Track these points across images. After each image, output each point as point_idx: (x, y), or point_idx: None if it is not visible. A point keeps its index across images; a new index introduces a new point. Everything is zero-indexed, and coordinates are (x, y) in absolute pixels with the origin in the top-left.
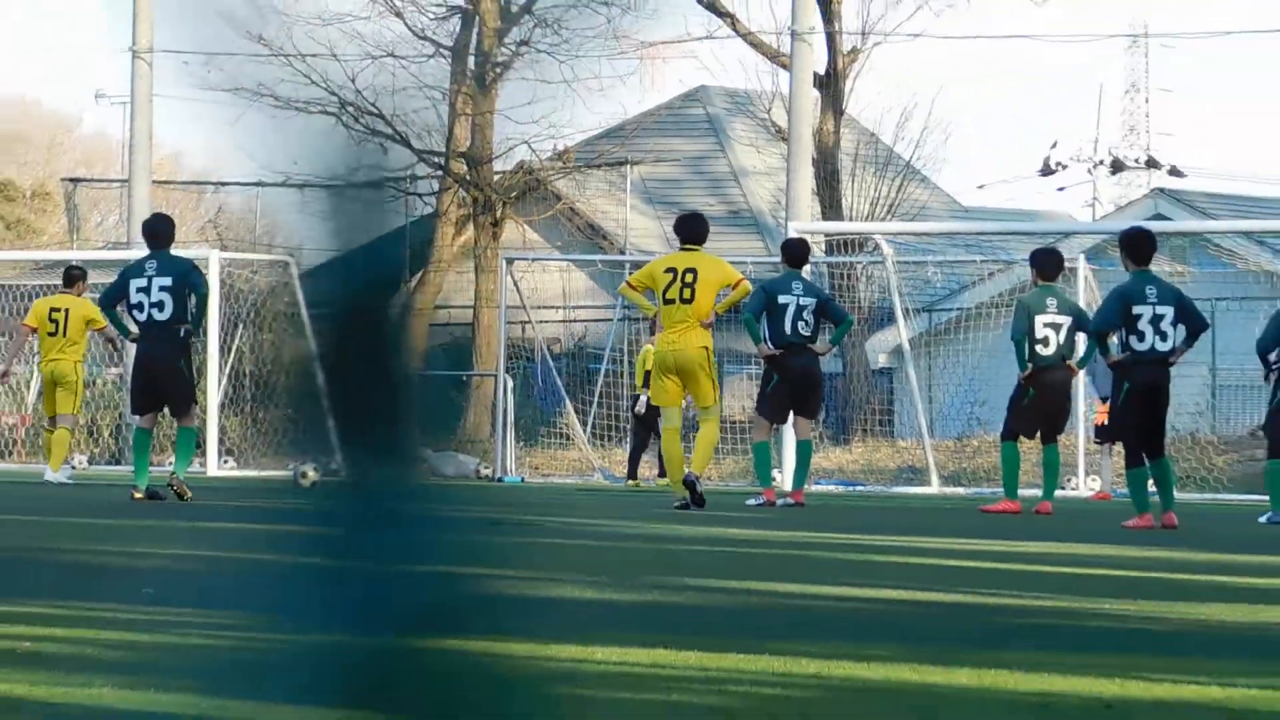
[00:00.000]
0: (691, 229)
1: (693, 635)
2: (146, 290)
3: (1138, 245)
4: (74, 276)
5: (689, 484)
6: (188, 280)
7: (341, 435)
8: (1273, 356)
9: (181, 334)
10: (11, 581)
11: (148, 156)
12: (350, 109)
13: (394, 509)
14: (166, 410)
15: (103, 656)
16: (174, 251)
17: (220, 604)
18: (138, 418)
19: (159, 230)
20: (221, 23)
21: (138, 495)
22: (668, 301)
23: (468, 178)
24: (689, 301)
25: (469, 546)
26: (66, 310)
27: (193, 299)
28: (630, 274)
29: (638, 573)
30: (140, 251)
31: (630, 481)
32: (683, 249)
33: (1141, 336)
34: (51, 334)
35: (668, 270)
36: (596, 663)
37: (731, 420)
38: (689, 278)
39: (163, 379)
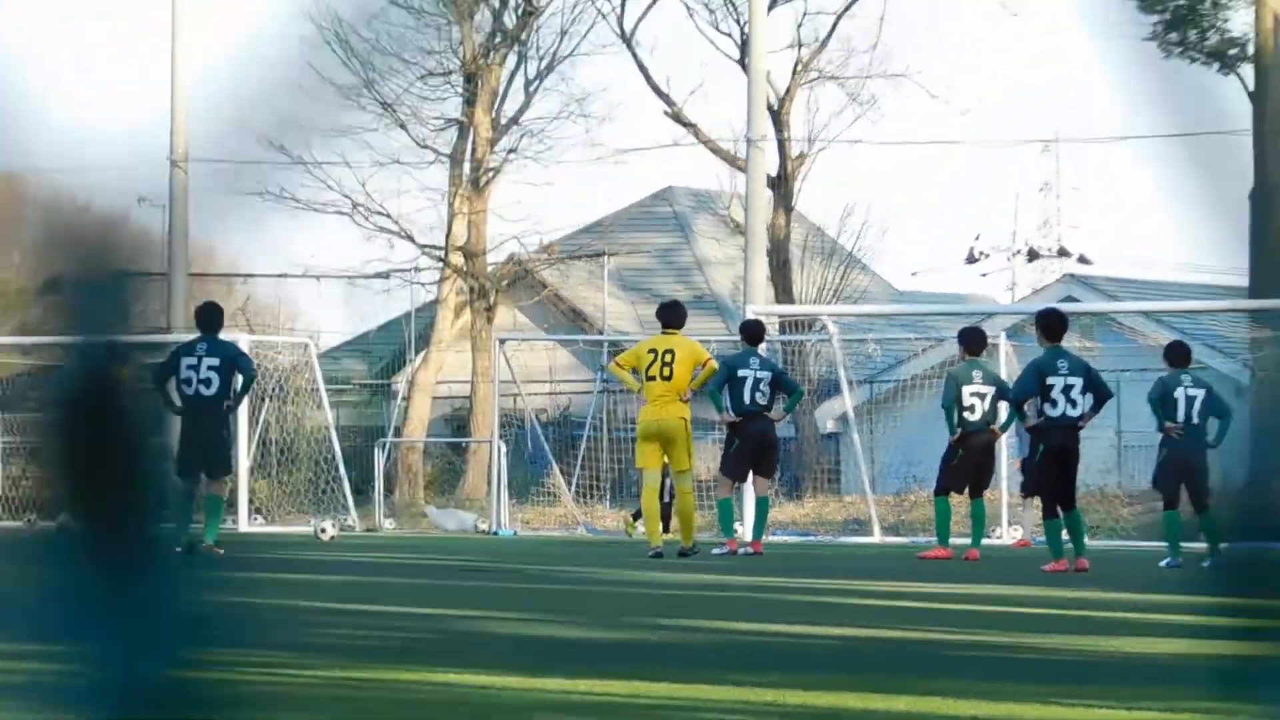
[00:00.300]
0: (671, 315)
1: (664, 668)
2: (196, 368)
3: (1051, 324)
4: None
5: (683, 554)
6: (235, 363)
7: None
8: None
9: (224, 408)
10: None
11: (184, 252)
12: (361, 209)
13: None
14: (204, 474)
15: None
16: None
17: (245, 643)
18: (180, 480)
19: (211, 318)
20: (248, 135)
21: (177, 550)
22: (649, 378)
23: (464, 268)
24: (669, 379)
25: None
26: None
27: (239, 380)
28: (609, 352)
29: (615, 614)
30: (180, 336)
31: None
32: (663, 332)
33: (1055, 404)
34: None
35: (650, 351)
36: (581, 693)
37: (698, 479)
38: (668, 357)
39: (208, 446)
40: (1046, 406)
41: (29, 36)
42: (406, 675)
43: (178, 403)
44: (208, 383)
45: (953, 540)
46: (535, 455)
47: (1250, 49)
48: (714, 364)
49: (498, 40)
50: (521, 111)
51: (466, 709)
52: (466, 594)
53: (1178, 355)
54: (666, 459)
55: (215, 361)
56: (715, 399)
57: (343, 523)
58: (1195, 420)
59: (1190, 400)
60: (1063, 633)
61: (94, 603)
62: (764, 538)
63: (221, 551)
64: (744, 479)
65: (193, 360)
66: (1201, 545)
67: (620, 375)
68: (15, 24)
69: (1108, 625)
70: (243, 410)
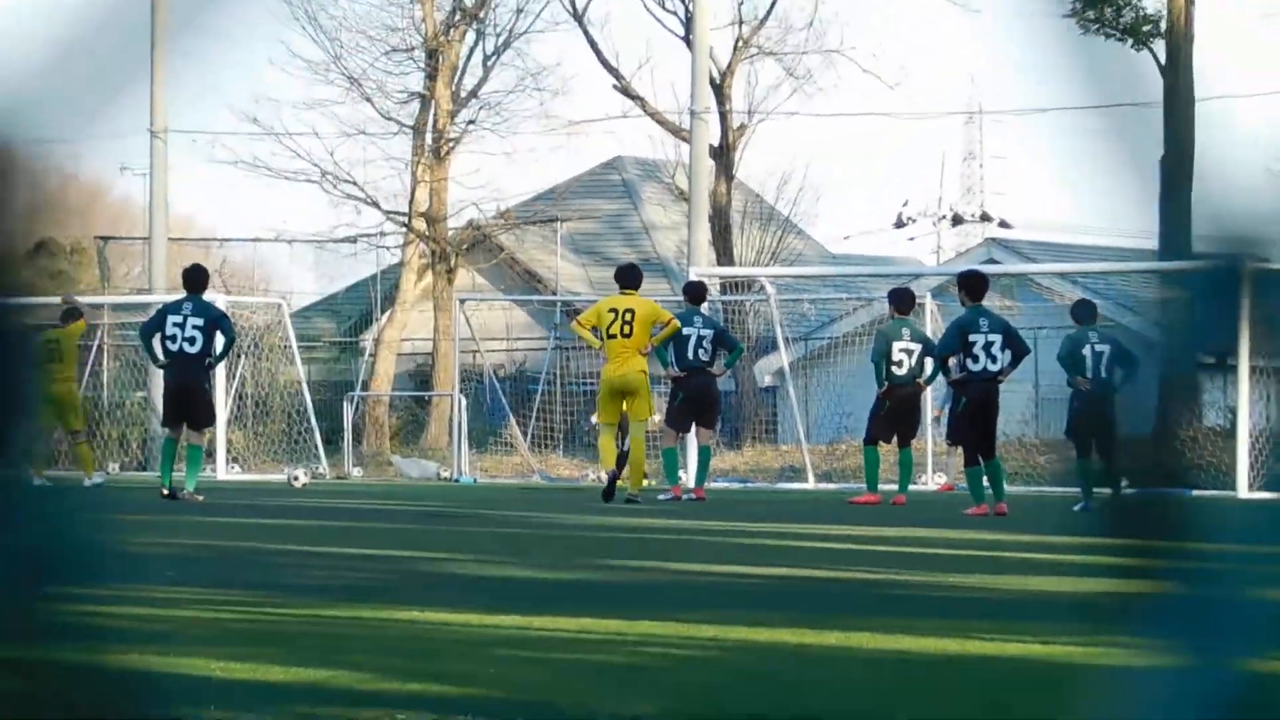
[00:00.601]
0: (629, 277)
1: (613, 607)
2: (181, 326)
3: (974, 284)
4: (69, 314)
5: (630, 501)
6: (219, 325)
7: None
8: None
9: (205, 365)
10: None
11: (165, 218)
12: (329, 177)
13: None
14: (187, 425)
15: (135, 627)
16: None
17: (226, 583)
18: (166, 429)
19: (197, 279)
20: (223, 107)
21: (165, 493)
22: (610, 336)
23: (427, 233)
24: (629, 336)
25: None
26: (59, 340)
27: (220, 340)
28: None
29: (568, 556)
30: (161, 297)
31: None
32: (622, 293)
33: (976, 359)
34: (50, 361)
35: (610, 310)
36: (535, 630)
37: (645, 430)
38: (628, 316)
39: (191, 399)
40: (969, 361)
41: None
42: (372, 613)
43: (161, 357)
44: (192, 340)
45: (881, 486)
46: (493, 408)
47: (1163, 25)
48: (676, 322)
49: (457, 18)
50: (480, 85)
51: (429, 644)
52: (429, 537)
53: (1084, 313)
54: (626, 410)
55: (200, 321)
56: (661, 355)
57: (314, 471)
58: (1103, 374)
59: (1098, 355)
60: (983, 572)
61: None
62: (706, 484)
63: (202, 499)
64: (687, 430)
65: (178, 319)
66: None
67: (582, 333)
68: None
69: (1025, 565)
70: (220, 366)
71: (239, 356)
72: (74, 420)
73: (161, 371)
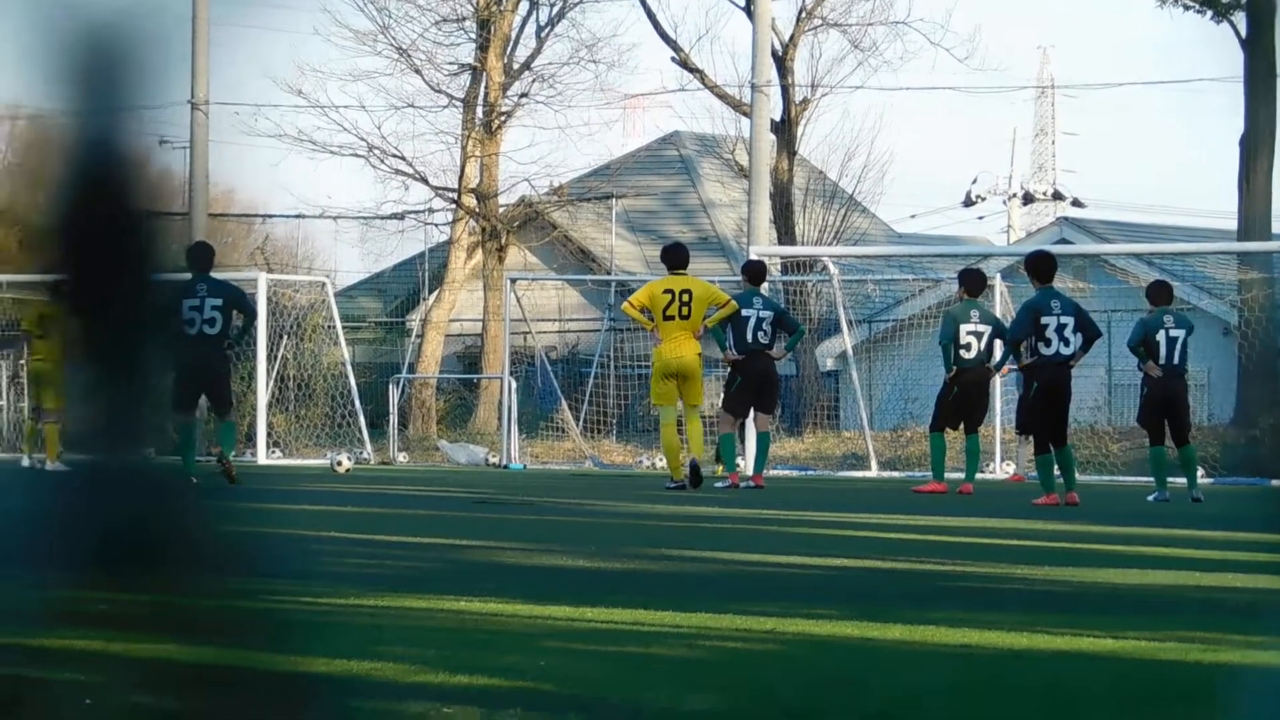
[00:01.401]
0: (679, 256)
1: (667, 597)
2: (200, 309)
3: (1041, 265)
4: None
5: (693, 467)
6: (237, 303)
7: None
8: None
9: (226, 346)
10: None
11: (205, 193)
12: (377, 152)
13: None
14: (206, 405)
15: (168, 616)
16: (226, 275)
17: (265, 572)
18: (180, 416)
19: (206, 256)
20: (267, 79)
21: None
22: (667, 318)
23: (477, 210)
24: (686, 318)
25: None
26: (49, 316)
27: (239, 320)
28: (617, 292)
29: (621, 544)
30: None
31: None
32: (672, 274)
33: (1048, 343)
34: (40, 336)
35: (666, 291)
36: (586, 621)
37: (702, 415)
38: (685, 297)
39: (214, 383)
40: (1040, 345)
41: None
42: (418, 603)
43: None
44: (212, 322)
45: (947, 475)
46: (544, 391)
47: None
48: (733, 303)
49: None
50: (533, 57)
51: (476, 635)
52: (476, 525)
53: (1160, 294)
54: (680, 395)
55: (218, 301)
56: (719, 337)
57: (358, 456)
58: (1176, 360)
59: (1172, 341)
60: (1052, 564)
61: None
62: (765, 472)
63: (235, 478)
64: (746, 415)
65: (195, 301)
66: (1185, 480)
67: (634, 315)
68: None
69: (1096, 557)
70: (260, 346)
71: (281, 336)
72: (49, 399)
73: (176, 355)
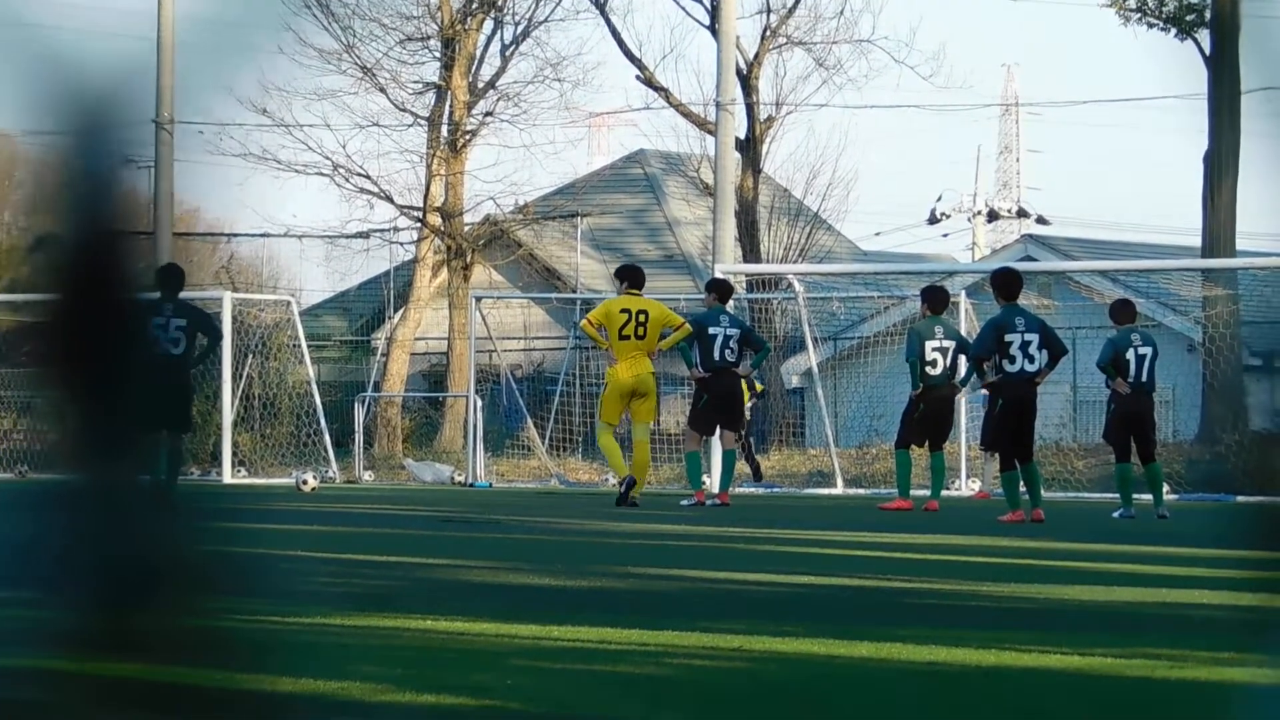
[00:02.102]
0: (636, 276)
1: (634, 615)
2: (165, 328)
3: (1007, 282)
4: None
5: (629, 484)
6: (201, 324)
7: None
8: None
9: (189, 367)
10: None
11: (170, 212)
12: (342, 171)
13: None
14: (168, 430)
15: (135, 636)
16: (191, 295)
17: (229, 591)
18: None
19: (174, 278)
20: (231, 98)
21: None
22: (623, 337)
23: (442, 229)
24: (642, 338)
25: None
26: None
27: (203, 340)
28: (582, 310)
29: (588, 563)
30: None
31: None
32: (628, 293)
33: (1013, 360)
34: None
35: (623, 311)
36: (553, 639)
37: (667, 433)
38: (642, 317)
39: (173, 405)
40: (1005, 363)
41: None
42: (385, 622)
43: None
44: (175, 342)
45: (913, 492)
46: (510, 409)
47: (1208, 14)
48: (687, 326)
49: (475, 6)
50: (498, 76)
51: (442, 654)
52: (443, 544)
53: (1123, 312)
54: (630, 414)
55: (182, 322)
56: (685, 355)
57: (324, 475)
58: (1144, 378)
59: (1140, 358)
60: (1019, 581)
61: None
62: (730, 490)
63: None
64: (712, 433)
65: (161, 320)
66: (1151, 497)
67: (592, 334)
68: None
69: (1063, 574)
70: (225, 365)
71: (246, 355)
72: None
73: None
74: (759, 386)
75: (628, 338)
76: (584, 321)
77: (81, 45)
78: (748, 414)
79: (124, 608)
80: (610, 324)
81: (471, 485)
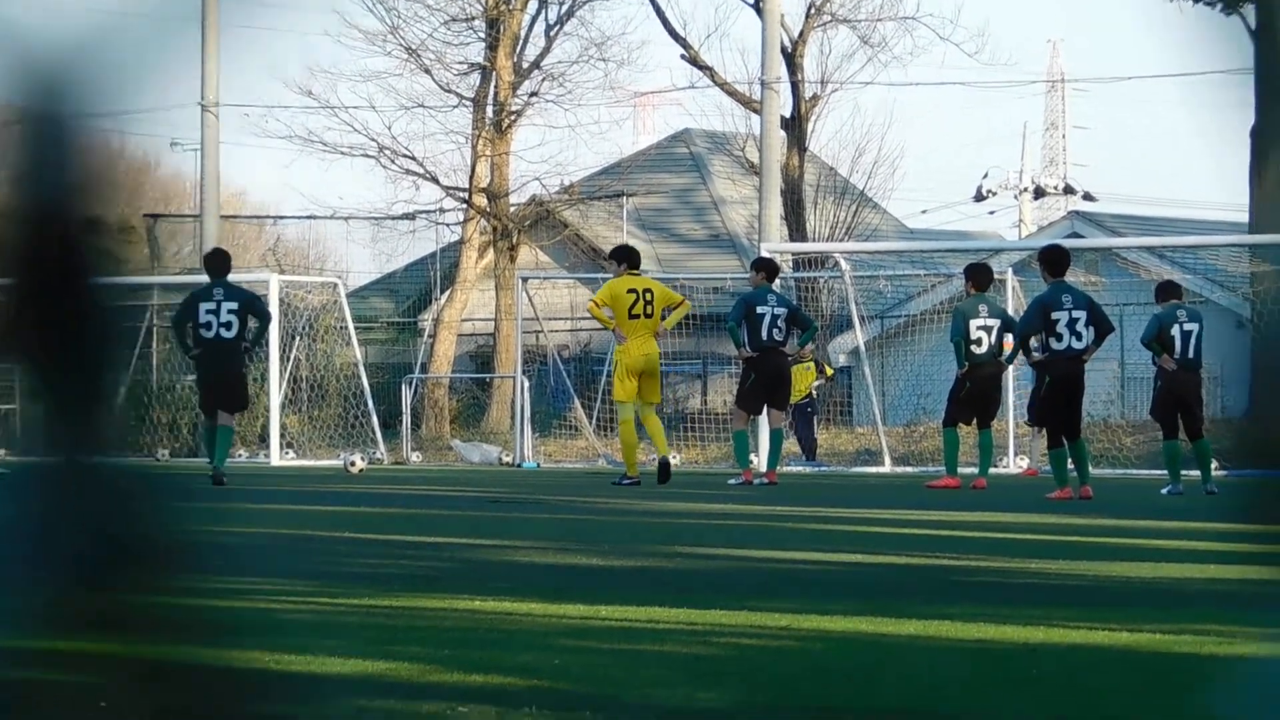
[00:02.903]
0: (633, 257)
1: (682, 594)
2: (216, 312)
3: (1054, 259)
4: None
5: (664, 465)
6: (252, 307)
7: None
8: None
9: (242, 349)
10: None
11: (216, 195)
12: (387, 152)
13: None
14: (222, 409)
15: (184, 619)
16: (238, 277)
17: (279, 572)
18: (206, 418)
19: (222, 263)
20: (277, 80)
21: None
22: (633, 316)
23: (488, 210)
24: (650, 317)
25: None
26: None
27: (254, 323)
28: (599, 292)
29: (635, 542)
30: (202, 277)
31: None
32: (630, 274)
33: (1060, 337)
34: None
35: (630, 291)
36: (601, 619)
37: (714, 412)
38: (648, 296)
39: (230, 385)
40: (1051, 340)
41: None
42: (432, 603)
43: (194, 346)
44: (228, 325)
45: (961, 469)
46: (557, 390)
47: None
48: (687, 304)
49: None
50: (542, 56)
51: (490, 634)
52: (490, 524)
53: (1170, 291)
54: (640, 392)
55: (234, 305)
56: (734, 335)
57: (371, 456)
58: (1190, 354)
59: (1186, 335)
60: (1067, 558)
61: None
62: (778, 468)
63: (225, 482)
64: (759, 412)
65: (211, 305)
66: (1199, 473)
67: (599, 316)
68: None
69: (1110, 550)
70: (273, 348)
71: (293, 338)
72: None
73: (194, 359)
74: (829, 370)
75: (637, 316)
76: (590, 304)
77: (32, 18)
78: (814, 393)
79: (102, 585)
80: (618, 305)
81: (519, 466)
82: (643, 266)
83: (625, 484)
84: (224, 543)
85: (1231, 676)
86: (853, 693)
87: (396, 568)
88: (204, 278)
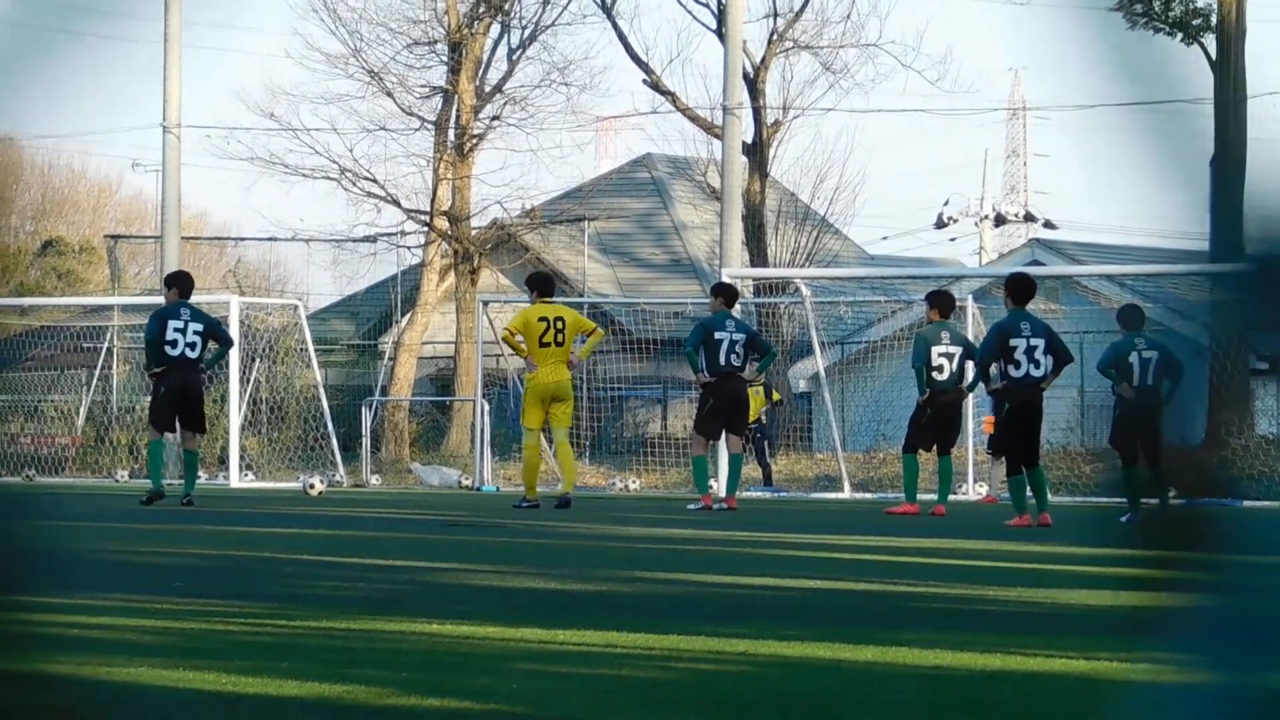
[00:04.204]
0: (547, 285)
1: (640, 619)
2: (183, 331)
3: (1021, 287)
4: None
5: (564, 501)
6: (214, 330)
7: None
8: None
9: (202, 369)
10: (64, 577)
11: (177, 216)
12: (349, 175)
13: None
14: (184, 428)
15: (143, 641)
16: (199, 299)
17: (238, 595)
18: (155, 433)
19: (188, 283)
20: (239, 102)
21: (157, 498)
22: (543, 345)
23: (449, 233)
24: (561, 345)
25: None
26: None
27: (216, 346)
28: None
29: (593, 567)
30: (162, 300)
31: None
32: (541, 302)
33: (1018, 365)
34: None
35: (541, 319)
36: (559, 644)
37: (674, 437)
38: (559, 324)
39: (190, 404)
40: (1010, 368)
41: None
42: (390, 625)
43: (158, 363)
44: (193, 345)
45: (920, 496)
46: (517, 413)
47: (1213, 19)
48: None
49: (482, 10)
50: (505, 80)
51: (448, 658)
52: (449, 548)
53: (1131, 318)
54: (550, 419)
55: (200, 326)
56: (692, 360)
57: (330, 479)
58: (1149, 381)
59: (1145, 362)
60: (1025, 585)
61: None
62: (737, 494)
63: (191, 504)
64: (718, 437)
65: (179, 324)
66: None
67: (511, 343)
68: None
69: (1069, 578)
70: (233, 369)
71: (253, 360)
72: None
73: (158, 375)
74: (776, 395)
75: (547, 345)
76: (504, 332)
77: None
78: (763, 419)
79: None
80: (529, 333)
81: (478, 489)
82: (605, 291)
83: (524, 506)
84: (182, 564)
85: (1188, 704)
86: (810, 718)
87: (355, 590)
88: (163, 299)
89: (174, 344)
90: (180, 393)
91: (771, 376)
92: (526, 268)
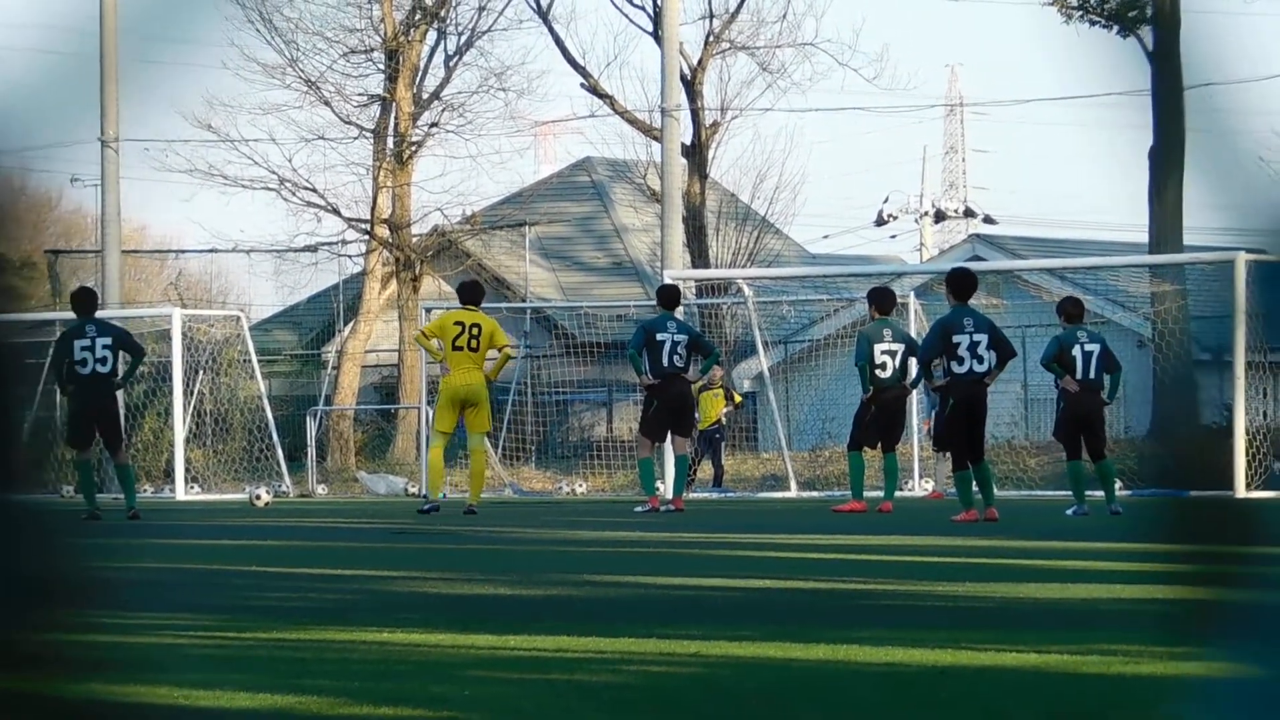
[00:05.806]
0: (473, 293)
1: (591, 623)
2: (91, 349)
3: (961, 283)
4: None
5: (469, 512)
6: (124, 343)
7: None
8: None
9: (116, 384)
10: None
11: (118, 230)
12: (288, 185)
13: None
14: (106, 446)
15: (87, 655)
16: (140, 312)
17: (186, 607)
18: (77, 452)
19: (91, 301)
20: (176, 114)
21: (96, 515)
22: (456, 348)
23: (390, 240)
24: (475, 350)
25: None
26: None
27: (126, 358)
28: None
29: (543, 571)
30: (115, 312)
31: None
32: (465, 308)
33: (961, 361)
34: None
35: (457, 323)
36: (510, 649)
37: (620, 440)
38: (475, 330)
39: (106, 420)
40: (953, 364)
41: None
42: (340, 635)
43: (68, 383)
44: (104, 361)
45: (866, 493)
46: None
47: (1149, 10)
48: (510, 350)
49: (418, 18)
50: (442, 86)
51: (398, 666)
52: (398, 555)
53: (1073, 310)
54: (465, 423)
55: (108, 341)
56: (635, 362)
57: (277, 489)
58: (1092, 375)
59: (1087, 355)
60: (974, 580)
61: None
62: (684, 495)
63: (138, 517)
64: (663, 439)
65: (86, 341)
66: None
67: (425, 345)
68: None
69: (1017, 572)
70: (177, 382)
71: (197, 371)
72: None
73: (70, 395)
74: (738, 398)
75: (460, 348)
76: (418, 334)
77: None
78: (723, 420)
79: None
80: (444, 335)
81: (425, 497)
82: (547, 296)
83: (427, 509)
84: (130, 578)
85: (1138, 697)
86: (763, 718)
87: (304, 600)
88: (105, 313)
89: (83, 363)
90: (94, 410)
91: (728, 379)
92: (468, 274)
